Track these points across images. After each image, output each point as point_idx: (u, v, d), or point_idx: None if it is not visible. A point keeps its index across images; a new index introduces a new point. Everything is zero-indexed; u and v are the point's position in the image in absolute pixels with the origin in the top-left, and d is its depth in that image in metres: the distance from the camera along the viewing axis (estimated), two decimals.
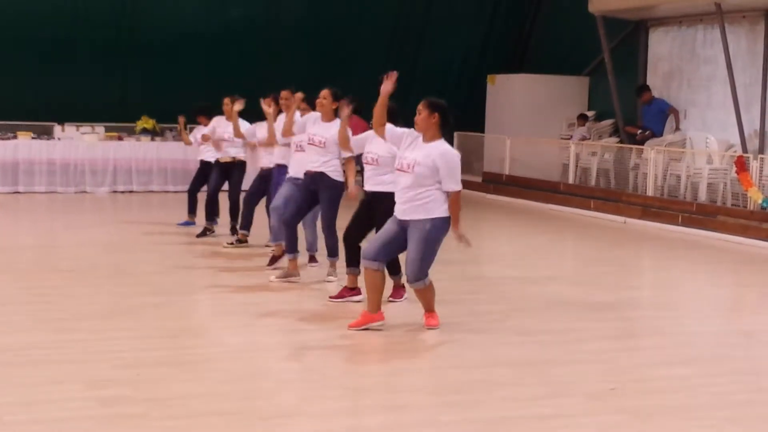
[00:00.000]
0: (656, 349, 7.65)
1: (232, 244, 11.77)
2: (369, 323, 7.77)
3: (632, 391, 6.33)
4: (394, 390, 6.30)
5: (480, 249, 12.66)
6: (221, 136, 12.35)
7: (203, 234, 12.49)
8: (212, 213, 12.58)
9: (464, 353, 7.27)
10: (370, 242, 7.86)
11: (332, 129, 9.19)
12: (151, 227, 13.53)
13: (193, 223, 13.30)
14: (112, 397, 5.87)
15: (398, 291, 8.89)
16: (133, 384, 6.14)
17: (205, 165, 13.12)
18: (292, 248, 9.68)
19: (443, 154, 7.56)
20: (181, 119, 13.86)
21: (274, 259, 10.42)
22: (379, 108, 7.96)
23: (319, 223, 9.94)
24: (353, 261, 8.69)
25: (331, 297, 8.89)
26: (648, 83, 18.00)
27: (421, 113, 7.62)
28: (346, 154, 9.30)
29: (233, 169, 12.46)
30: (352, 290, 8.83)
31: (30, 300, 8.70)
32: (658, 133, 17.14)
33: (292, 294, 9.18)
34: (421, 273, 7.62)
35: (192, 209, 13.44)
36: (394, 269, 8.74)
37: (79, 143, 17.86)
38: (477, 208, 16.77)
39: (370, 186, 8.59)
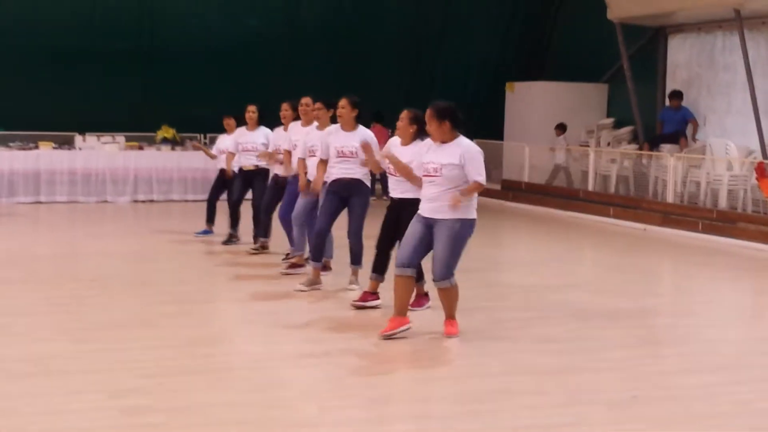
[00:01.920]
0: (678, 356, 7.63)
1: (256, 250, 11.84)
2: (399, 327, 7.81)
3: (654, 399, 6.30)
4: (414, 399, 6.30)
5: (500, 256, 12.65)
6: (244, 146, 12.39)
7: (229, 241, 12.57)
8: (237, 221, 12.65)
9: (485, 361, 7.26)
10: (400, 250, 7.88)
11: (356, 137, 9.32)
12: (172, 236, 13.58)
13: (211, 232, 13.35)
14: (134, 406, 5.89)
15: (420, 299, 8.89)
16: (155, 393, 6.16)
17: (223, 173, 13.19)
18: (318, 257, 9.77)
19: (467, 148, 7.65)
20: (195, 144, 13.80)
21: (293, 266, 10.47)
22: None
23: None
24: (380, 268, 8.83)
25: (354, 301, 8.97)
26: (667, 90, 17.96)
27: (431, 125, 7.71)
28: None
29: (256, 178, 12.49)
30: (373, 294, 8.90)
31: (51, 309, 8.74)
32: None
33: (312, 302, 9.19)
34: (448, 271, 7.68)
35: (210, 218, 13.48)
36: (418, 276, 8.77)
37: (100, 153, 17.96)
38: (496, 216, 16.76)
39: (396, 193, 8.68)
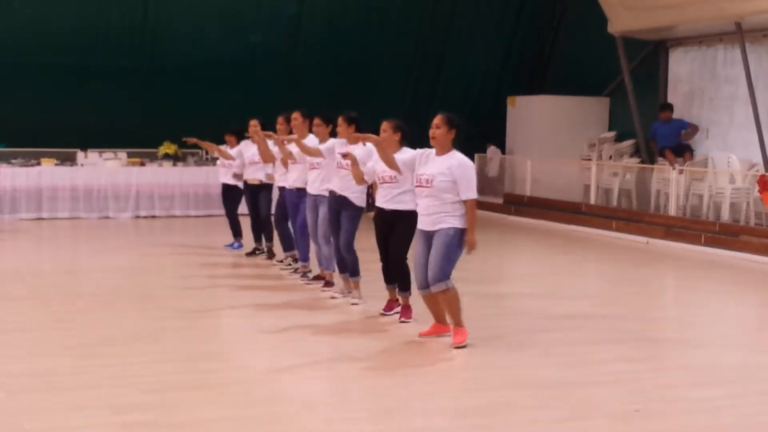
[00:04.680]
0: (681, 370, 7.61)
1: (284, 262, 12.11)
2: (438, 333, 8.23)
3: (657, 413, 6.29)
4: (416, 412, 6.28)
5: (502, 270, 12.64)
6: (251, 159, 12.57)
7: (269, 255, 12.74)
8: (267, 234, 12.81)
9: (487, 375, 7.25)
10: (414, 273, 8.11)
11: (354, 151, 9.37)
12: (174, 251, 13.59)
13: (240, 245, 13.60)
14: (136, 422, 5.88)
15: (391, 304, 9.21)
16: (157, 409, 6.15)
17: (227, 187, 13.37)
18: (344, 269, 9.94)
19: (461, 164, 7.82)
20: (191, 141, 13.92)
21: (318, 278, 10.73)
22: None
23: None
24: (390, 279, 9.10)
25: (383, 310, 9.21)
26: (669, 103, 17.98)
27: (440, 128, 7.85)
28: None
29: (260, 191, 12.62)
30: (396, 302, 9.16)
31: (53, 325, 8.74)
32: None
33: (316, 316, 9.19)
34: (441, 274, 7.79)
35: (237, 232, 13.68)
36: (389, 279, 9.08)
37: (102, 169, 17.97)
38: (498, 230, 16.75)
39: (390, 205, 8.74)
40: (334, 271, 10.28)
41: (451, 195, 7.77)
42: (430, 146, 8.02)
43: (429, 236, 7.89)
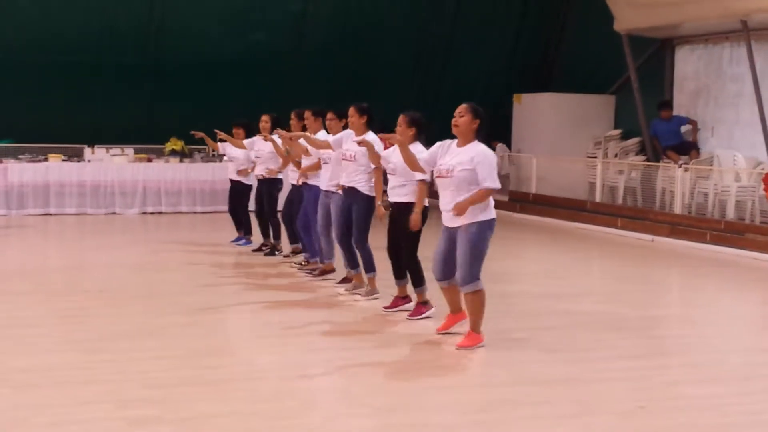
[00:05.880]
0: (685, 367, 7.62)
1: (287, 256, 12.25)
2: (455, 324, 8.25)
3: (661, 410, 6.29)
4: (420, 409, 6.29)
5: (507, 267, 12.64)
6: (258, 154, 12.64)
7: (271, 253, 12.75)
8: (273, 230, 12.84)
9: (491, 371, 7.27)
10: (433, 263, 8.03)
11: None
12: (180, 248, 13.61)
13: (242, 240, 13.60)
14: (141, 417, 5.90)
15: (396, 301, 9.21)
16: (162, 404, 6.17)
17: (234, 183, 13.42)
18: (353, 264, 9.96)
19: (483, 152, 7.68)
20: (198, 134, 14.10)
21: (323, 272, 10.88)
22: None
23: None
24: (397, 273, 9.08)
25: (384, 307, 9.23)
26: (674, 101, 17.96)
27: (464, 116, 7.72)
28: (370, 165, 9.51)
29: (265, 186, 12.64)
30: (403, 299, 9.16)
31: (59, 321, 8.76)
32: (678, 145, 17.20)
33: (319, 312, 9.20)
34: (469, 276, 7.69)
35: (242, 228, 13.69)
36: (400, 274, 9.07)
37: (109, 165, 18.01)
38: (503, 227, 16.67)
39: (393, 197, 8.84)
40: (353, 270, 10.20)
41: (473, 186, 7.57)
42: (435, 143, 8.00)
43: (452, 233, 7.73)
